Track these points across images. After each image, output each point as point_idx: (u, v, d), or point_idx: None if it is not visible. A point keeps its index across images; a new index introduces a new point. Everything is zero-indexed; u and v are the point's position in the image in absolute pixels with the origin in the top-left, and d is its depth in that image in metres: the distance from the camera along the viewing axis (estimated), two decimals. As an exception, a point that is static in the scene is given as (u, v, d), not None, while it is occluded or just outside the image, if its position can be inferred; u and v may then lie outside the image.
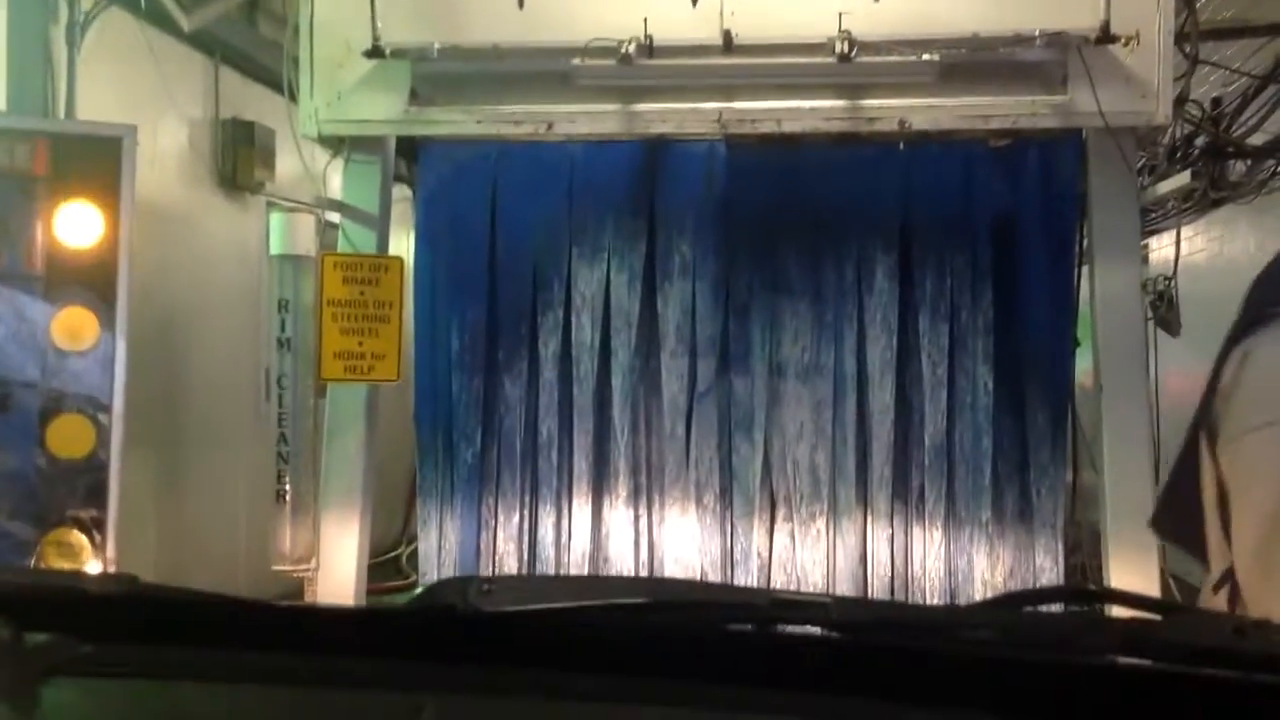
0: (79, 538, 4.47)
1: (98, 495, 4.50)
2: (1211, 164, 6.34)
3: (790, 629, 1.18)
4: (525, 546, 5.45)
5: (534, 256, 5.41)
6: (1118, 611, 1.26)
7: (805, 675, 1.10)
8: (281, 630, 1.18)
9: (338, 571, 5.10)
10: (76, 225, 4.46)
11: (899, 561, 5.32)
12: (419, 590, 1.45)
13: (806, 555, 5.32)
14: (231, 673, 1.08)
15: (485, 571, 5.38)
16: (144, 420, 5.26)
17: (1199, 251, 7.75)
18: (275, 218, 5.63)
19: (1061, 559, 5.30)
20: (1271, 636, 1.11)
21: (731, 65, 4.66)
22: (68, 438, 4.46)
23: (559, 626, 1.19)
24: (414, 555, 6.33)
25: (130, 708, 1.06)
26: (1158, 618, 1.16)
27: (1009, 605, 1.39)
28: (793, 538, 5.34)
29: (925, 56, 4.46)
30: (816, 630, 1.17)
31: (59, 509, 4.49)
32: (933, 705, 1.07)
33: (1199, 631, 1.12)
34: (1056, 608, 1.92)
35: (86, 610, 1.19)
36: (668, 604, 1.25)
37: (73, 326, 4.46)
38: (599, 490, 5.45)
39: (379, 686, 1.06)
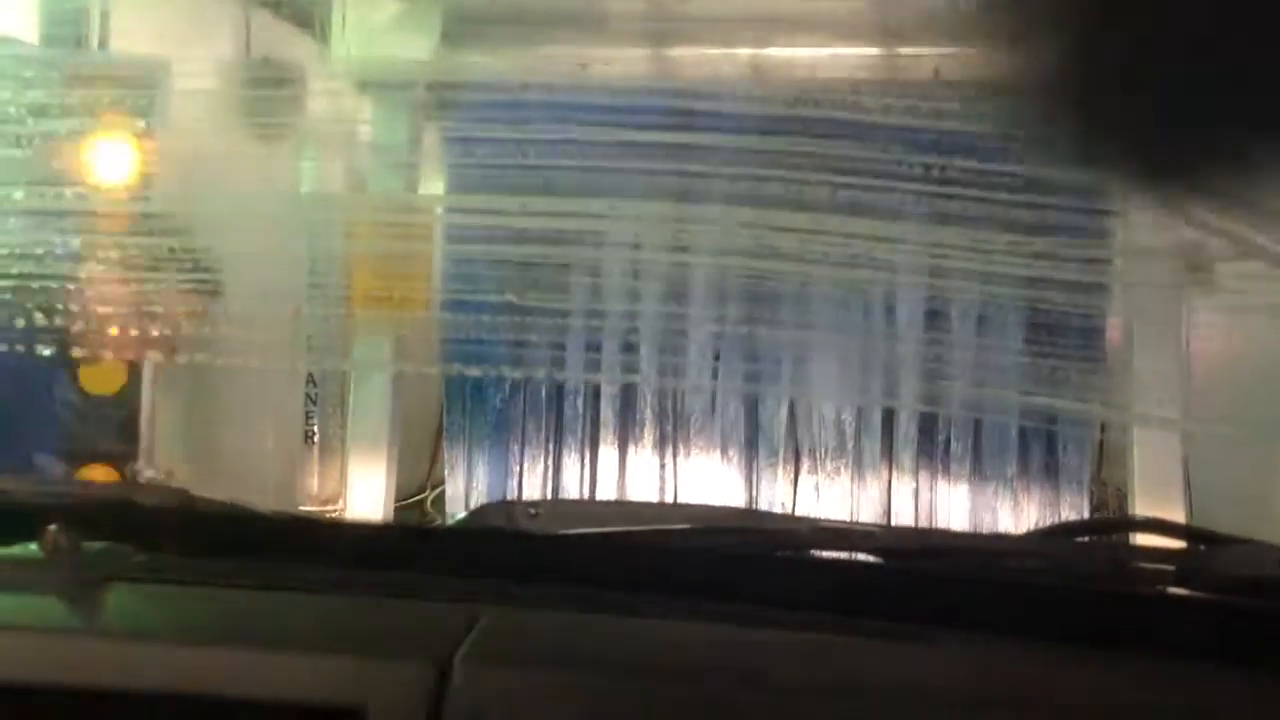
0: (109, 474, 4.49)
1: (129, 432, 4.51)
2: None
3: (839, 555, 1.18)
4: (550, 493, 5.46)
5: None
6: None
7: (852, 600, 1.11)
8: (331, 546, 1.19)
9: (364, 513, 5.11)
10: (109, 161, 4.45)
11: (923, 517, 5.32)
12: (463, 514, 1.47)
13: (830, 509, 5.32)
14: (286, 583, 1.09)
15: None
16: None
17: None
18: (305, 159, 5.61)
19: (1087, 517, 5.28)
20: (1324, 568, 1.10)
21: (767, 8, 4.61)
22: (99, 374, 4.46)
23: (605, 549, 1.19)
24: (439, 499, 6.36)
25: (186, 613, 1.07)
26: (1207, 549, 1.16)
27: (1060, 535, 1.39)
28: (817, 490, 5.35)
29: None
30: (865, 557, 1.17)
31: (89, 445, 4.50)
32: (979, 632, 1.07)
33: (1249, 563, 1.12)
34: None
35: (140, 522, 1.20)
36: (715, 529, 1.25)
37: (105, 262, 4.45)
38: (624, 438, 5.46)
39: (432, 597, 1.07)
